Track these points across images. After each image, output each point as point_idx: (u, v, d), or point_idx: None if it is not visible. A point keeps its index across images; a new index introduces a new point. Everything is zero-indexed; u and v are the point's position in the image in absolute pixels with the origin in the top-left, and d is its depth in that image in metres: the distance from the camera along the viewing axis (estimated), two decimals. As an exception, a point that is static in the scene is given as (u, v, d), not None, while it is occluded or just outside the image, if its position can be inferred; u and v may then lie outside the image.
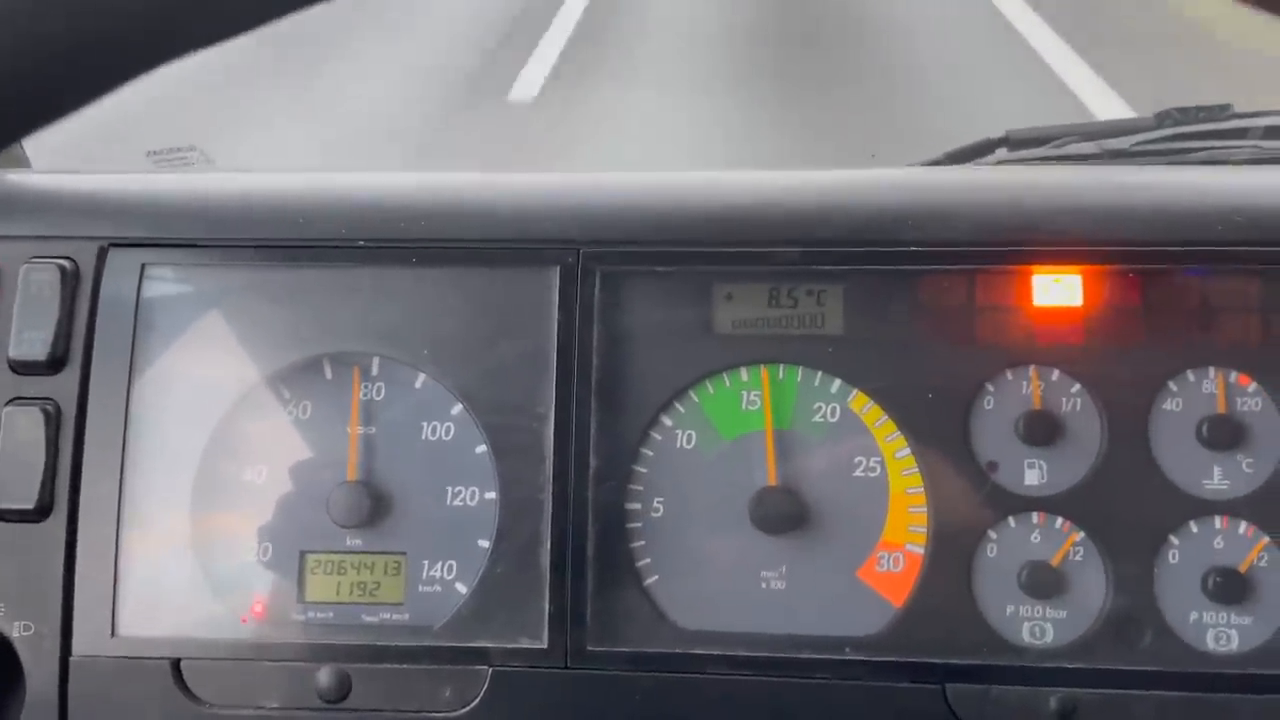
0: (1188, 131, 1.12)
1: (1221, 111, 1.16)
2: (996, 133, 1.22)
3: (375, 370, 0.78)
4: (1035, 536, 0.73)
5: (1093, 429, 0.73)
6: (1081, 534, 0.73)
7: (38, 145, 1.04)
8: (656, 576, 0.75)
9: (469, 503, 0.76)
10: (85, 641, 0.74)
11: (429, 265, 0.77)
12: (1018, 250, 0.75)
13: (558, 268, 0.76)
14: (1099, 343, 0.74)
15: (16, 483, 0.75)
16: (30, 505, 0.74)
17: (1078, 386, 0.74)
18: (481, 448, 0.76)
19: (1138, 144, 1.10)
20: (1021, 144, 1.18)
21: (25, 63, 0.36)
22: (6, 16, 0.35)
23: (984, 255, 0.75)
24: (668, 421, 0.76)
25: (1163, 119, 1.17)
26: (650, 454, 0.76)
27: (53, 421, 0.75)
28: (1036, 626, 0.72)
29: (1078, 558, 0.73)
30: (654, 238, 0.77)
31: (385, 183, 0.83)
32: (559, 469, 0.74)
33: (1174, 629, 0.71)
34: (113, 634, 0.74)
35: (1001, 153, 1.20)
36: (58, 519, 0.75)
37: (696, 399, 0.76)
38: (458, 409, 0.76)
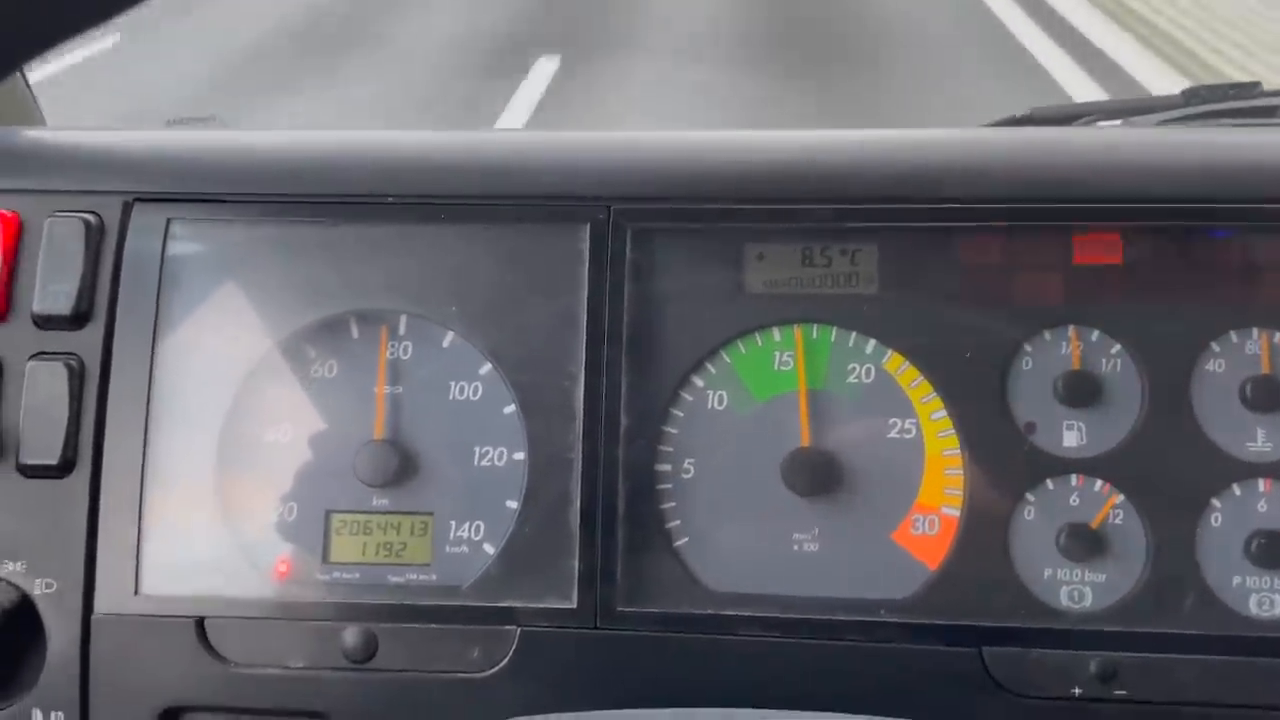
0: (1216, 110, 1.11)
1: (1250, 89, 1.14)
2: (1020, 110, 1.22)
3: (402, 328, 0.76)
4: (1074, 499, 0.72)
5: (1133, 390, 0.72)
6: (1121, 496, 0.71)
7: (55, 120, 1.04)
8: (687, 538, 0.74)
9: (497, 463, 0.75)
10: (108, 599, 0.73)
11: (458, 222, 0.76)
12: (1057, 207, 0.74)
13: (588, 225, 0.75)
14: (1140, 302, 0.73)
15: (40, 438, 0.74)
16: (54, 461, 0.73)
17: (1118, 347, 0.73)
18: (510, 407, 0.75)
19: (1164, 121, 1.09)
20: (1046, 121, 1.17)
21: None
22: None
23: (1022, 213, 0.74)
24: (699, 381, 0.75)
25: (1190, 96, 1.15)
26: (680, 414, 0.75)
27: (76, 376, 0.74)
28: (1075, 590, 0.71)
29: (1117, 520, 0.71)
30: (686, 195, 0.76)
31: (414, 139, 0.82)
32: (589, 428, 0.73)
33: (1215, 593, 0.70)
34: (136, 592, 0.73)
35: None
36: (81, 475, 0.74)
37: (728, 359, 0.75)
38: (486, 368, 0.75)
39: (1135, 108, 1.16)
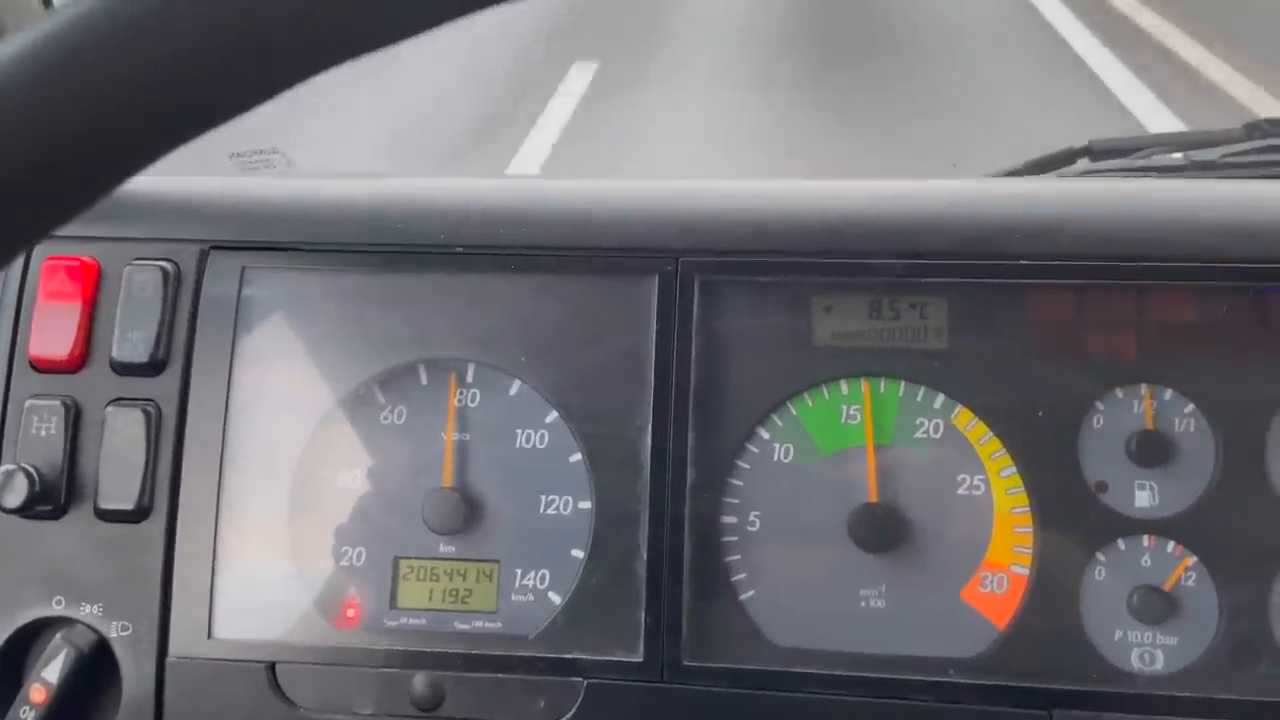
0: (1278, 144, 1.09)
1: (1311, 123, 1.13)
2: (1078, 142, 1.21)
3: (470, 376, 0.77)
4: (1146, 560, 0.71)
5: (1206, 450, 0.72)
6: (1194, 558, 0.71)
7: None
8: (753, 591, 0.74)
9: (563, 511, 0.75)
10: (182, 642, 0.74)
11: (527, 272, 0.77)
12: (1130, 265, 0.73)
13: (656, 276, 0.76)
14: (1214, 361, 0.72)
15: (117, 483, 0.75)
16: (130, 506, 0.75)
17: (1191, 406, 0.72)
18: (576, 456, 0.75)
19: (1226, 155, 1.07)
20: (1105, 154, 1.16)
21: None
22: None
23: (1095, 270, 0.73)
24: (765, 434, 0.75)
25: (1252, 130, 1.14)
26: (747, 467, 0.75)
27: (153, 422, 0.76)
28: (1146, 653, 0.71)
29: (1190, 583, 0.71)
30: (753, 247, 0.76)
31: (484, 188, 0.83)
32: (655, 479, 0.74)
33: None
34: (209, 635, 0.74)
35: (1084, 163, 1.18)
36: (157, 520, 0.75)
37: (795, 412, 0.75)
38: (553, 416, 0.76)
39: (1195, 141, 1.15)
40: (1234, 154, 1.08)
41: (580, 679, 0.72)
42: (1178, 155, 1.10)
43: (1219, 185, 0.86)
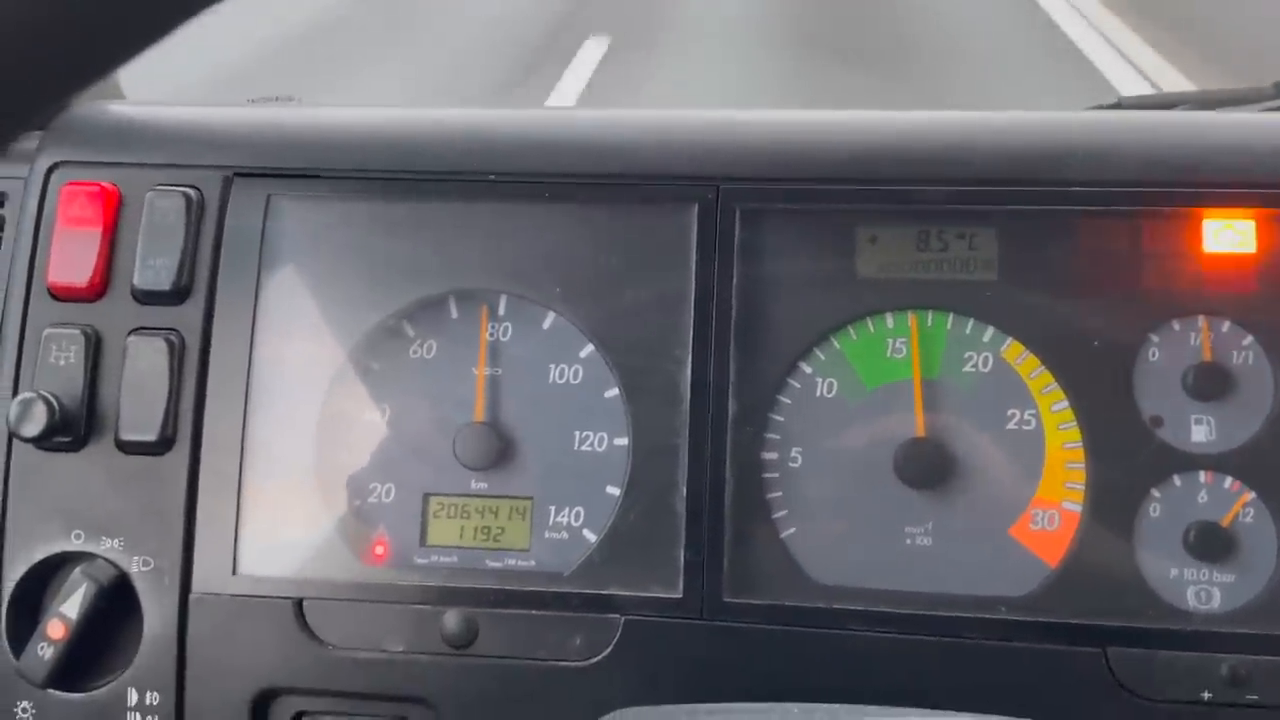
0: (1312, 101, 1.07)
1: (1343, 80, 1.11)
2: (1107, 100, 1.19)
3: (503, 309, 0.75)
4: (1202, 496, 0.69)
5: (1265, 384, 0.69)
6: (1253, 494, 0.69)
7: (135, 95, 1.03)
8: (794, 529, 0.72)
9: (597, 448, 0.73)
10: (205, 579, 0.72)
11: (561, 201, 0.75)
12: (1188, 192, 0.71)
13: (696, 205, 0.73)
14: (1274, 293, 0.70)
15: (139, 414, 0.73)
16: (153, 437, 0.72)
17: (1250, 339, 0.70)
18: (612, 391, 0.73)
19: (1266, 109, 1.05)
20: (1137, 108, 1.15)
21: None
22: None
23: (1151, 197, 0.71)
24: (808, 368, 0.73)
25: (1280, 89, 1.12)
26: (789, 402, 0.72)
27: (176, 352, 0.73)
28: (1202, 590, 0.68)
29: (1248, 519, 0.69)
30: (796, 175, 0.74)
31: (517, 117, 0.81)
32: (695, 414, 0.71)
33: None
34: (234, 572, 0.72)
35: (1114, 119, 1.16)
36: (180, 452, 0.73)
37: (839, 345, 0.73)
38: (588, 350, 0.74)
39: (1225, 99, 1.13)
40: (1266, 109, 1.06)
41: (618, 615, 0.70)
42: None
43: (1274, 116, 0.84)
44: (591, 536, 0.72)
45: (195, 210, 0.75)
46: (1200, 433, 0.70)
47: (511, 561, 0.72)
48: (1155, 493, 0.69)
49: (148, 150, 0.77)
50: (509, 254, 0.75)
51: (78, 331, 0.74)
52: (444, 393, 0.75)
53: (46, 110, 0.39)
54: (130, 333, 0.74)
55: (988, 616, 0.68)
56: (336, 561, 0.73)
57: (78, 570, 0.71)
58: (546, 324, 0.74)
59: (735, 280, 0.73)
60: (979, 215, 0.72)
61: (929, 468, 0.71)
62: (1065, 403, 0.70)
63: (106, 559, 0.72)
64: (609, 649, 0.70)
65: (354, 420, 0.75)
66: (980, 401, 0.71)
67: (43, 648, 0.70)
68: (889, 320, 0.73)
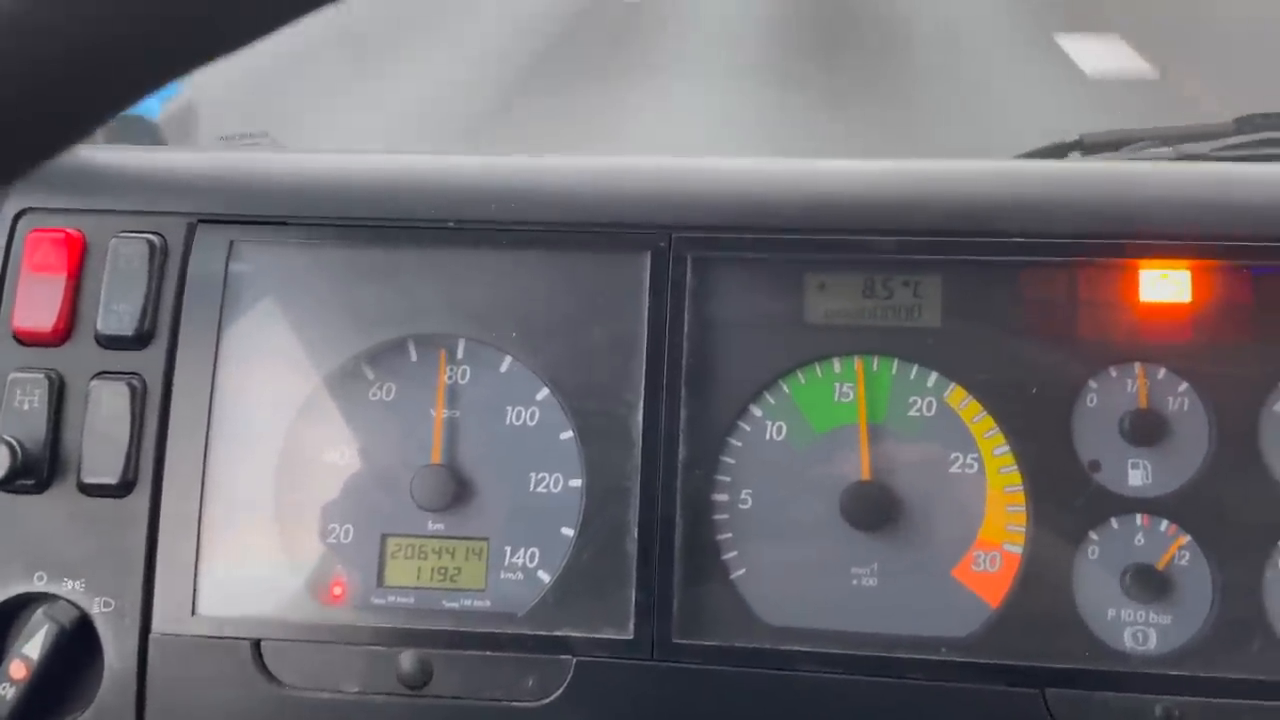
0: (1271, 138, 1.09)
1: (1302, 117, 1.13)
2: (1069, 136, 1.21)
3: (461, 353, 0.76)
4: (1139, 539, 0.71)
5: (1200, 429, 0.71)
6: (1188, 537, 0.70)
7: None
8: (744, 570, 0.73)
9: (552, 489, 0.75)
10: (165, 619, 0.73)
11: (518, 248, 0.76)
12: (1125, 243, 0.73)
13: (649, 252, 0.75)
14: (1208, 341, 0.72)
15: (101, 457, 0.74)
16: (114, 480, 0.74)
17: (1185, 385, 0.72)
18: (567, 434, 0.75)
19: (1217, 149, 1.08)
20: (1096, 147, 1.16)
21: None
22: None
23: (1089, 248, 0.73)
24: (757, 412, 0.74)
25: (1243, 124, 1.14)
26: (739, 444, 0.74)
27: (138, 397, 0.75)
28: (1139, 631, 0.70)
29: (1183, 561, 0.70)
30: (747, 224, 0.76)
31: (475, 165, 0.82)
32: (647, 457, 0.73)
33: None
34: (193, 612, 0.73)
35: (1074, 157, 1.18)
36: (141, 495, 0.74)
37: (787, 390, 0.75)
38: (544, 393, 0.75)
39: (1186, 134, 1.15)
40: (1225, 147, 1.08)
41: (570, 656, 0.71)
42: (1168, 150, 1.11)
43: (1213, 167, 0.86)
44: (546, 577, 0.73)
45: (158, 256, 0.77)
46: (1137, 477, 0.71)
47: (468, 602, 0.74)
48: (1093, 535, 0.71)
49: (113, 197, 0.79)
50: (467, 299, 0.77)
51: (42, 376, 0.75)
52: (402, 434, 0.76)
53: (28, 172, 0.41)
54: (93, 377, 0.75)
55: (930, 658, 0.70)
56: (295, 602, 0.74)
57: (40, 611, 0.72)
58: (503, 367, 0.76)
59: (686, 326, 0.74)
60: (924, 264, 0.74)
61: (874, 510, 0.72)
62: (1006, 447, 0.72)
63: (68, 600, 0.73)
64: (561, 690, 0.71)
65: (313, 462, 0.76)
66: (924, 445, 0.73)
67: (4, 688, 0.71)
68: (836, 365, 0.75)
